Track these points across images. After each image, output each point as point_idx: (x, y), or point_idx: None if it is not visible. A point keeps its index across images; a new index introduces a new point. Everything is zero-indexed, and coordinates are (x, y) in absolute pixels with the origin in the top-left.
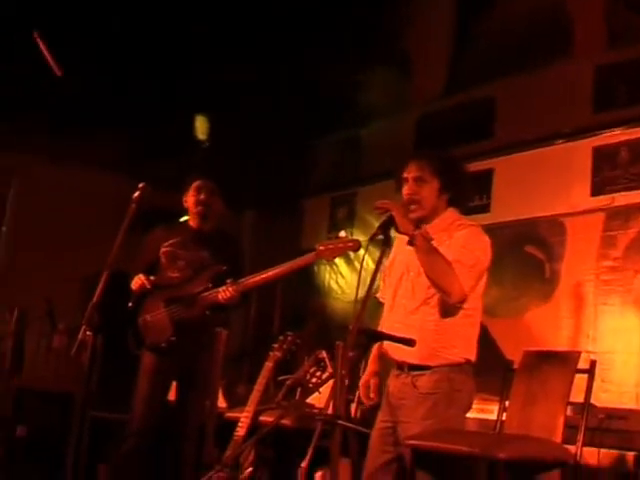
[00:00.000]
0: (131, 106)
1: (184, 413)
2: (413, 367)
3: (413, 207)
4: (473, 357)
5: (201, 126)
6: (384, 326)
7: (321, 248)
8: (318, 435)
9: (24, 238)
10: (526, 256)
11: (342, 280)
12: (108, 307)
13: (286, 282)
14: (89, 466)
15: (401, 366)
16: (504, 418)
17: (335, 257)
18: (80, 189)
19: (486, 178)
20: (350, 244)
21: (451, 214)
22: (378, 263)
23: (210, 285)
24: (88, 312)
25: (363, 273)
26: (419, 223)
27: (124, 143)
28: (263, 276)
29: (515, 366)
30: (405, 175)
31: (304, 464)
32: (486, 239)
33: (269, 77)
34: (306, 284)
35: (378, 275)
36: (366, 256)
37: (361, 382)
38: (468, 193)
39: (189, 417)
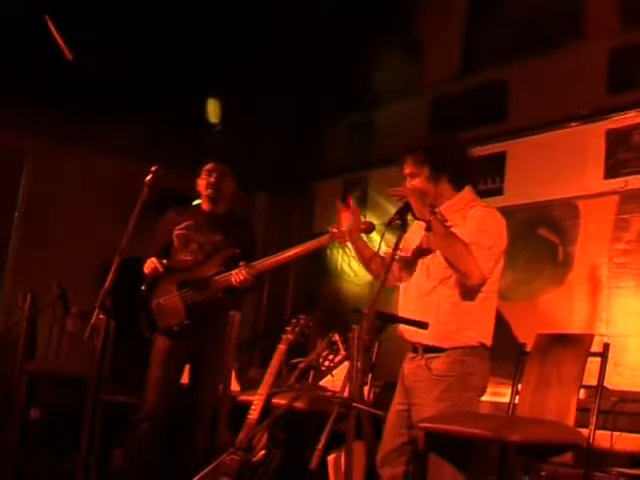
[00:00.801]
0: (145, 89)
1: (197, 397)
2: (428, 349)
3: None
4: (489, 341)
5: (214, 109)
6: (399, 308)
7: (334, 230)
8: (334, 418)
9: (37, 222)
10: (540, 239)
11: (355, 263)
12: (121, 291)
13: (298, 265)
14: (102, 449)
15: (416, 348)
16: (517, 401)
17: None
18: (93, 172)
19: (499, 161)
20: (363, 226)
21: (466, 195)
22: (395, 248)
23: (223, 268)
24: (101, 296)
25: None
26: (433, 208)
27: (138, 126)
28: (276, 258)
29: (528, 349)
30: (404, 174)
31: (320, 446)
32: (502, 220)
33: (281, 60)
34: (318, 267)
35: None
36: (379, 239)
37: None
38: (467, 167)
39: (202, 401)
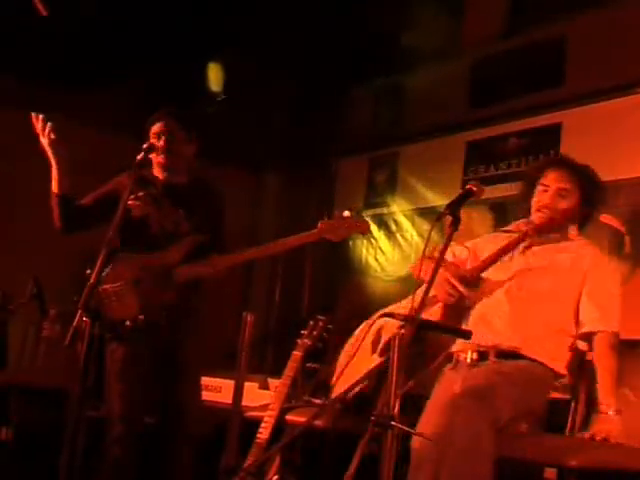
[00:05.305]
0: (132, 51)
1: (173, 412)
2: (501, 354)
3: (545, 211)
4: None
5: (215, 76)
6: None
7: (322, 226)
8: (367, 439)
9: (3, 208)
10: (602, 227)
11: (382, 256)
12: None
13: (317, 257)
14: (86, 474)
15: (484, 355)
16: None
17: (339, 239)
18: (71, 148)
19: (554, 134)
20: (358, 225)
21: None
22: (444, 248)
23: (187, 257)
24: (85, 294)
25: (407, 248)
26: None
27: (124, 96)
28: (253, 252)
29: (589, 357)
30: (546, 182)
31: (350, 471)
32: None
33: (294, 12)
34: (340, 260)
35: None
36: (412, 229)
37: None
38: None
39: (180, 417)
